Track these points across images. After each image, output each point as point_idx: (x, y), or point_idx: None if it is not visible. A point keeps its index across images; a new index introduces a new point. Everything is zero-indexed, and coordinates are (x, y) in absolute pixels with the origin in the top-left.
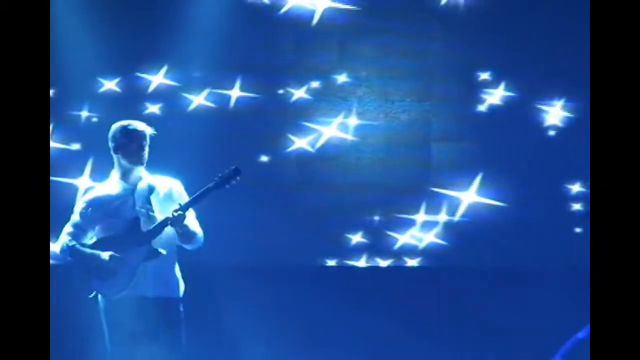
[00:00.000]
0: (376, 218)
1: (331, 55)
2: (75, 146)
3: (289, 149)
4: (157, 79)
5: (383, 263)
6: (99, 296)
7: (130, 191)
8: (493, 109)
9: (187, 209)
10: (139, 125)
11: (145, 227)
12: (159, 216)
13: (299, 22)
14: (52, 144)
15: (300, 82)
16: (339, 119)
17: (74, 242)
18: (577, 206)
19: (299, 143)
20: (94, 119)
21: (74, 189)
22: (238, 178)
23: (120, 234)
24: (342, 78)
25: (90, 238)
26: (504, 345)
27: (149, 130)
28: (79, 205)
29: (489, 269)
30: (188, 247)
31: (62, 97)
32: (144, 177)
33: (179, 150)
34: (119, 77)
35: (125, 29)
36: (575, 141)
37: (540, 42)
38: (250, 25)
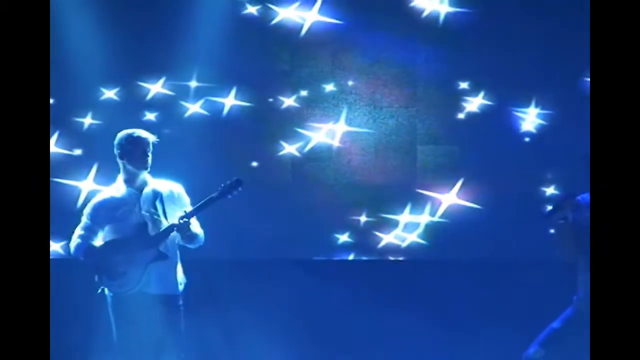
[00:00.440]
0: (363, 219)
1: (323, 65)
2: (77, 151)
3: (280, 153)
4: (156, 88)
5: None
6: (106, 290)
7: (136, 196)
8: (472, 116)
9: (191, 217)
10: (143, 133)
11: (151, 230)
12: (163, 219)
13: (289, 34)
14: (56, 150)
15: (292, 90)
16: (329, 125)
17: (87, 243)
18: (550, 207)
19: (289, 149)
20: (95, 126)
21: (76, 191)
22: (240, 189)
23: (129, 237)
24: (330, 87)
25: (99, 239)
26: (484, 336)
27: (152, 138)
28: (89, 208)
29: (467, 263)
30: (190, 246)
31: (65, 105)
32: (148, 181)
33: (177, 155)
34: (119, 87)
35: (127, 40)
36: (550, 147)
37: (518, 52)
38: (243, 38)
